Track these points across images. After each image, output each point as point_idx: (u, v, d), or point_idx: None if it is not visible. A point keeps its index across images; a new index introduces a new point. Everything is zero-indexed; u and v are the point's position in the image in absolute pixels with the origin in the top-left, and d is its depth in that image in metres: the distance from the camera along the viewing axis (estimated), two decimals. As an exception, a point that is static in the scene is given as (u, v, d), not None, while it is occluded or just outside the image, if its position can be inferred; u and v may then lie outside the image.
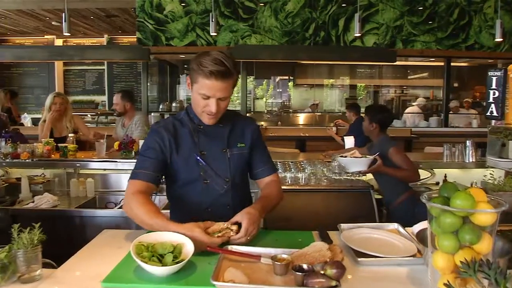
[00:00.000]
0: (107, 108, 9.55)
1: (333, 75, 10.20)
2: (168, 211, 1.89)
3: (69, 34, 4.78)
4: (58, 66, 9.82)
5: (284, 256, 1.32)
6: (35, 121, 7.40)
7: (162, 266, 1.23)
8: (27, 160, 3.40)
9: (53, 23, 8.03)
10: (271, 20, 7.12)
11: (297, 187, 2.99)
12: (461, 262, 0.99)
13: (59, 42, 9.74)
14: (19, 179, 3.42)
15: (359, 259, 1.39)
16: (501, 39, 6.00)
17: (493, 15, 7.18)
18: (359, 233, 1.63)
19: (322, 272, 1.21)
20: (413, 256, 1.43)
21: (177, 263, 1.24)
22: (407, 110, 8.75)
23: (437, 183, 3.90)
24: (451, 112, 7.90)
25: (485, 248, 1.05)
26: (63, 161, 3.55)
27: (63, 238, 3.10)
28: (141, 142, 3.47)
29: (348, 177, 3.10)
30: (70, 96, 9.91)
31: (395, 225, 1.76)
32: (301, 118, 9.01)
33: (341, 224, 1.75)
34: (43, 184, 3.60)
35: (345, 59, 7.61)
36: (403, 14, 7.15)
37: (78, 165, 3.51)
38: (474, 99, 9.57)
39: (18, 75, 9.97)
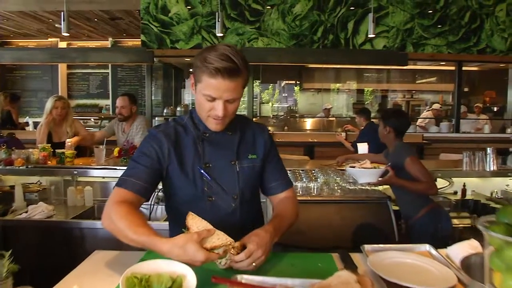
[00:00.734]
0: (111, 112, 9.39)
1: (340, 79, 9.99)
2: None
3: (67, 34, 4.61)
4: (62, 69, 9.69)
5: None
6: (37, 125, 7.24)
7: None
8: (21, 167, 3.21)
9: (56, 25, 7.88)
10: (279, 22, 6.94)
11: (309, 198, 2.78)
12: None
13: (62, 45, 9.61)
14: (13, 187, 3.23)
15: (392, 292, 1.18)
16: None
17: (505, 18, 6.97)
18: (387, 258, 1.41)
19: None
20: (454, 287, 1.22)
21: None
22: (422, 115, 8.52)
23: (455, 193, 3.68)
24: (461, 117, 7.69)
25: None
26: (60, 168, 3.37)
27: (59, 251, 2.93)
28: (142, 148, 3.28)
29: (363, 187, 2.89)
30: (74, 100, 9.80)
31: (426, 247, 1.54)
32: (309, 123, 8.81)
33: (365, 246, 1.54)
34: (39, 192, 3.41)
35: (355, 63, 7.39)
36: (414, 17, 6.94)
37: (75, 172, 3.32)
38: (484, 104, 9.36)
39: (21, 78, 9.85)
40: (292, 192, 1.67)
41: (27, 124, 8.28)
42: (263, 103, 10.21)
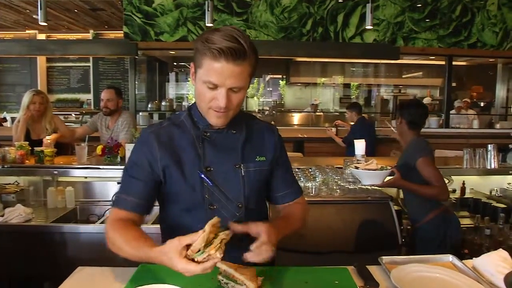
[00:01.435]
0: (92, 107, 9.09)
1: (327, 73, 9.85)
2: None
3: (45, 24, 4.33)
4: (41, 62, 9.31)
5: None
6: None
7: None
8: (-4, 167, 2.98)
9: (34, 16, 7.52)
10: (267, 15, 6.74)
11: (307, 199, 2.58)
12: None
13: (41, 37, 9.23)
14: (-13, 188, 2.99)
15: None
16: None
17: (497, 12, 6.91)
18: (411, 272, 1.26)
19: None
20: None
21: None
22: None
23: (454, 191, 3.57)
24: (454, 112, 7.64)
25: None
26: (39, 168, 3.13)
27: (39, 258, 2.72)
28: (127, 146, 3.07)
29: (364, 187, 2.74)
30: (54, 95, 9.45)
31: (449, 258, 1.40)
32: (296, 118, 8.66)
33: (383, 258, 1.39)
34: (16, 193, 3.19)
35: (346, 56, 7.21)
36: (404, 10, 6.82)
37: (55, 172, 3.10)
38: (471, 99, 9.34)
39: (-2, 71, 9.45)
40: (303, 200, 1.52)
41: (4, 120, 7.93)
42: (248, 97, 10.03)
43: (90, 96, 9.39)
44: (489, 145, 3.28)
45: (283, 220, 1.39)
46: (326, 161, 3.58)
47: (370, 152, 4.67)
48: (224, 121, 1.28)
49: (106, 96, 3.88)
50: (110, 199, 3.10)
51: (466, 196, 3.49)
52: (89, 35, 9.18)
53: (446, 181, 3.34)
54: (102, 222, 2.87)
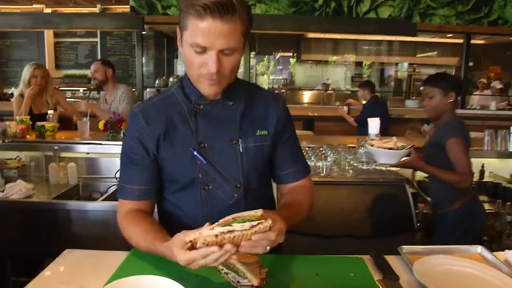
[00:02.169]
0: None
1: (339, 51, 9.58)
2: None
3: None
4: (48, 38, 9.18)
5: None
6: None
7: None
8: (-3, 142, 2.88)
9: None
10: (278, -12, 6.49)
11: (318, 179, 2.48)
12: None
13: (48, 11, 9.07)
14: (-13, 163, 2.91)
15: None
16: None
17: (521, -14, 6.58)
18: (435, 264, 1.13)
19: None
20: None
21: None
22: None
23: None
24: (478, 92, 7.37)
25: None
26: (39, 143, 3.04)
27: (41, 235, 2.65)
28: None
29: (378, 168, 2.59)
30: (62, 70, 9.37)
31: (477, 249, 1.26)
32: (307, 96, 8.47)
33: (403, 247, 1.25)
34: (18, 169, 3.10)
35: (359, 32, 6.92)
36: (421, -15, 6.53)
37: (56, 147, 3.00)
38: (488, 80, 9.03)
39: (5, 47, 9.34)
40: (309, 182, 1.35)
41: (12, 95, 7.85)
42: (258, 75, 9.83)
43: (97, 72, 9.26)
44: (512, 127, 3.09)
45: (287, 209, 1.21)
46: (338, 140, 3.42)
47: (383, 132, 4.49)
48: (217, 89, 1.12)
49: (93, 68, 3.78)
50: (114, 175, 3.00)
51: (485, 179, 3.32)
52: (96, 10, 9.00)
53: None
54: (105, 199, 2.78)
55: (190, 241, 0.88)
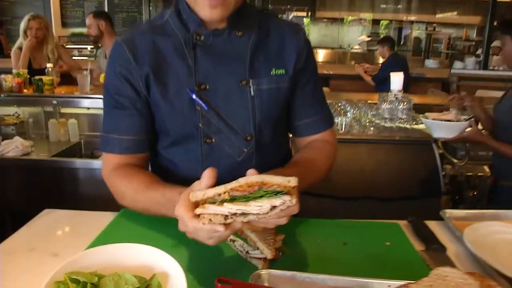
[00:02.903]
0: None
1: (356, 8, 9.12)
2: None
3: None
4: (54, -6, 8.88)
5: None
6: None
7: None
8: (-8, 96, 2.71)
9: None
10: None
11: (336, 137, 2.26)
12: None
13: (52, -35, 8.73)
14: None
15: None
16: None
17: None
18: (490, 233, 0.92)
19: None
20: None
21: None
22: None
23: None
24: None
25: None
26: (37, 97, 2.85)
27: (37, 192, 2.52)
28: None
29: (402, 125, 2.36)
30: (69, 28, 9.09)
31: (537, 214, 1.04)
32: (321, 55, 8.14)
33: (446, 211, 1.04)
34: (16, 126, 2.93)
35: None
36: None
37: (55, 102, 2.81)
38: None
39: (9, 3, 9.07)
40: (332, 136, 1.11)
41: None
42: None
43: (104, 30, 8.99)
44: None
45: (299, 167, 0.97)
46: (357, 96, 3.18)
47: (405, 90, 4.23)
48: (221, 12, 0.86)
49: (86, 24, 3.55)
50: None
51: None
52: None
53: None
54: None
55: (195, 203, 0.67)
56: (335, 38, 8.98)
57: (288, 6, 9.53)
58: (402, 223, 0.99)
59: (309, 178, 0.95)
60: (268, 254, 0.75)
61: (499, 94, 3.63)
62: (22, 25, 3.40)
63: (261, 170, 0.73)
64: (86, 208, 1.06)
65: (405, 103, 2.47)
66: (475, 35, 9.34)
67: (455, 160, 2.56)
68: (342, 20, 9.36)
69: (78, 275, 0.58)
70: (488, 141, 1.98)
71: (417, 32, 9.47)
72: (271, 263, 0.77)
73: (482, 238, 0.88)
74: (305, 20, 9.65)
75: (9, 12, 9.02)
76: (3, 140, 2.68)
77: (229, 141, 0.97)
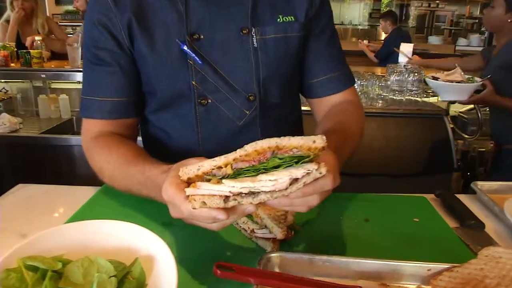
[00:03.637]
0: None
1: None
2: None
3: None
4: (46, -32, 8.60)
5: None
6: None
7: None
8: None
9: None
10: None
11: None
12: None
13: None
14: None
15: None
16: None
17: None
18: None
19: None
20: None
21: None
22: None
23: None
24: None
25: None
26: (25, 71, 2.70)
27: (26, 171, 2.40)
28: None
29: (412, 98, 2.23)
30: (63, 6, 8.85)
31: None
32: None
33: (478, 183, 0.91)
34: (3, 102, 2.80)
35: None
36: None
37: (43, 75, 2.68)
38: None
39: (0, -20, 8.82)
40: (355, 95, 0.96)
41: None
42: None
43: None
44: None
45: (341, 135, 0.79)
46: (362, 69, 3.03)
47: (409, 65, 4.09)
48: None
49: None
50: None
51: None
52: None
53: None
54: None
55: (187, 181, 0.53)
56: (336, 15, 8.74)
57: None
58: (429, 197, 0.86)
59: (348, 148, 0.79)
60: (278, 233, 0.62)
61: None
62: None
63: (266, 136, 0.54)
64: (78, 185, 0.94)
65: (416, 74, 2.32)
66: (478, 12, 9.14)
67: (466, 136, 2.43)
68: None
69: (36, 261, 0.45)
70: (502, 101, 1.87)
71: (420, 9, 9.26)
72: (281, 245, 0.64)
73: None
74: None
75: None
76: (-10, 116, 2.55)
77: (228, 102, 0.83)
